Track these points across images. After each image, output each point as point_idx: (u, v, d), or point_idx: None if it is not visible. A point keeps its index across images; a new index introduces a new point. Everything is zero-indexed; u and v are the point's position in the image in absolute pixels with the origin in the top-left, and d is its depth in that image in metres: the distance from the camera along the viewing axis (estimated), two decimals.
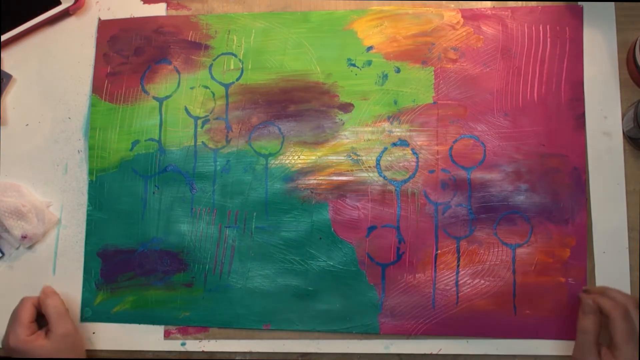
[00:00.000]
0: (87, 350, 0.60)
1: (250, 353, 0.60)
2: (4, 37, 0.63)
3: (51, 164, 0.63)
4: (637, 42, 0.60)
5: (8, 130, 0.64)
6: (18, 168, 0.63)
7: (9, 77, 0.64)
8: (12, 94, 0.64)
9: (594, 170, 0.61)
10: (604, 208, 0.60)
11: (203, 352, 0.60)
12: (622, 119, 0.62)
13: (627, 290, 0.59)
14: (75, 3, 0.64)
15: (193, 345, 0.60)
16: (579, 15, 0.62)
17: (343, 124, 0.62)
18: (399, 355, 0.59)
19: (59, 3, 0.64)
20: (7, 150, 0.64)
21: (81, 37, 0.65)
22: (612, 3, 0.63)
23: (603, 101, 0.62)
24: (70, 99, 0.64)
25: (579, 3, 0.63)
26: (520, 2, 0.63)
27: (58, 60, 0.65)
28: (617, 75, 0.62)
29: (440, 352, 0.59)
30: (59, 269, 0.61)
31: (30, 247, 0.62)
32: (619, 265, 0.59)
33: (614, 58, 0.62)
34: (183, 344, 0.60)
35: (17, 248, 0.62)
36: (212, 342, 0.60)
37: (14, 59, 0.65)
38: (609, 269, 0.59)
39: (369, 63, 0.63)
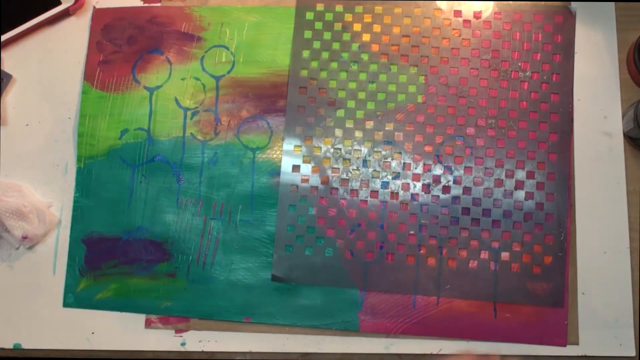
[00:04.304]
0: (87, 351, 0.60)
1: (251, 353, 0.59)
2: (4, 37, 0.64)
3: (51, 164, 0.63)
4: (637, 42, 0.59)
5: (8, 130, 0.64)
6: (18, 168, 0.64)
7: (9, 77, 0.64)
8: (12, 94, 0.65)
9: (594, 171, 0.60)
10: (604, 208, 0.60)
11: (203, 352, 0.60)
12: (622, 119, 0.61)
13: (627, 290, 0.58)
14: (75, 3, 0.64)
15: (193, 345, 0.60)
16: (571, 18, 0.62)
17: (331, 120, 0.61)
18: (399, 355, 0.58)
19: (59, 3, 0.64)
20: (7, 150, 0.64)
21: (81, 37, 0.65)
22: (612, 3, 0.62)
23: (603, 101, 0.61)
24: (70, 99, 0.64)
25: (577, 3, 0.62)
26: (513, 3, 0.62)
27: (58, 60, 0.65)
28: (617, 75, 0.62)
29: (441, 352, 0.58)
30: (59, 269, 0.62)
31: (30, 248, 0.62)
32: (620, 265, 0.59)
33: (614, 58, 0.62)
34: (183, 344, 0.60)
35: (17, 248, 0.62)
36: (212, 342, 0.60)
37: (14, 59, 0.65)
38: (610, 269, 0.59)
39: (359, 61, 0.62)
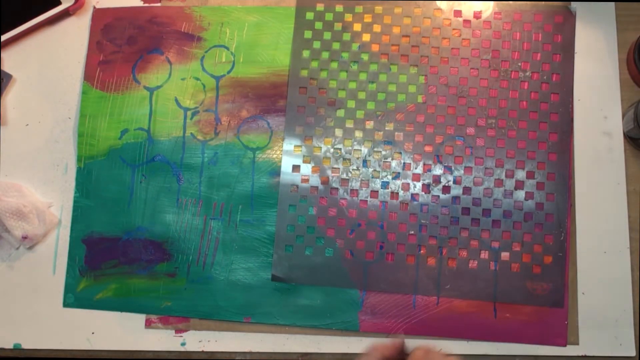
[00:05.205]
0: (87, 351, 0.60)
1: (251, 353, 0.59)
2: (4, 37, 0.64)
3: (51, 164, 0.63)
4: (637, 42, 0.59)
5: (8, 130, 0.64)
6: (18, 168, 0.64)
7: (9, 77, 0.64)
8: (12, 94, 0.65)
9: (594, 171, 0.60)
10: (605, 208, 0.60)
11: (203, 352, 0.60)
12: (622, 119, 0.61)
13: (627, 290, 0.58)
14: (75, 3, 0.64)
15: (193, 345, 0.60)
16: (571, 18, 0.62)
17: (331, 120, 0.61)
18: None
19: (59, 3, 0.64)
20: (7, 150, 0.64)
21: (81, 37, 0.65)
22: (612, 3, 0.62)
23: (603, 101, 0.62)
24: (70, 99, 0.64)
25: (577, 3, 0.62)
26: (513, 3, 0.62)
27: (58, 60, 0.65)
28: (617, 75, 0.62)
29: (441, 352, 0.58)
30: (59, 269, 0.62)
31: (30, 247, 0.62)
32: (620, 265, 0.59)
33: (614, 58, 0.62)
34: (183, 344, 0.60)
35: (17, 248, 0.62)
36: (212, 342, 0.60)
37: (14, 59, 0.65)
38: (610, 269, 0.59)
39: (360, 61, 0.62)
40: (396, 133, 0.61)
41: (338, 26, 0.63)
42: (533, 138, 0.60)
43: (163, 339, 0.60)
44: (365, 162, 0.60)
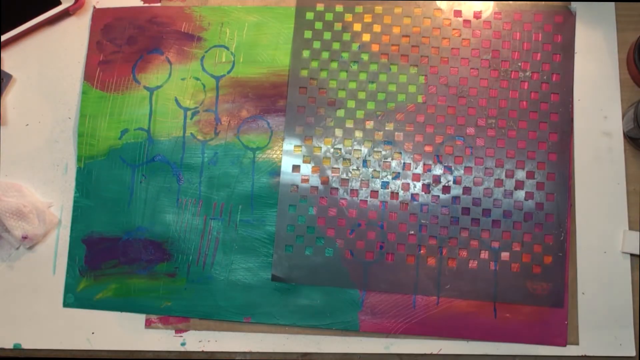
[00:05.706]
0: (87, 351, 0.60)
1: (251, 353, 0.59)
2: (4, 37, 0.64)
3: (51, 164, 0.63)
4: (637, 42, 0.59)
5: (8, 130, 0.64)
6: (18, 168, 0.64)
7: (9, 77, 0.64)
8: (12, 94, 0.65)
9: (594, 171, 0.60)
10: (604, 208, 0.60)
11: (203, 352, 0.60)
12: (622, 119, 0.61)
13: (627, 290, 0.58)
14: (75, 3, 0.64)
15: (193, 345, 0.60)
16: (571, 18, 0.62)
17: (331, 120, 0.61)
18: (399, 355, 0.58)
19: (59, 3, 0.64)
20: (7, 150, 0.64)
21: (81, 37, 0.65)
22: (612, 3, 0.63)
23: (603, 101, 0.62)
24: (70, 99, 0.64)
25: (577, 3, 0.62)
26: (513, 3, 0.62)
27: (58, 60, 0.65)
28: (617, 75, 0.62)
29: (441, 352, 0.58)
30: (59, 269, 0.62)
31: (30, 247, 0.62)
32: (619, 265, 0.59)
33: (614, 58, 0.62)
34: (183, 344, 0.60)
35: (17, 248, 0.62)
36: (212, 342, 0.60)
37: (14, 59, 0.65)
38: (610, 269, 0.59)
39: (359, 61, 0.62)
40: (396, 133, 0.61)
41: (338, 26, 0.63)
42: (533, 138, 0.60)
43: (163, 339, 0.60)
44: (365, 162, 0.61)
